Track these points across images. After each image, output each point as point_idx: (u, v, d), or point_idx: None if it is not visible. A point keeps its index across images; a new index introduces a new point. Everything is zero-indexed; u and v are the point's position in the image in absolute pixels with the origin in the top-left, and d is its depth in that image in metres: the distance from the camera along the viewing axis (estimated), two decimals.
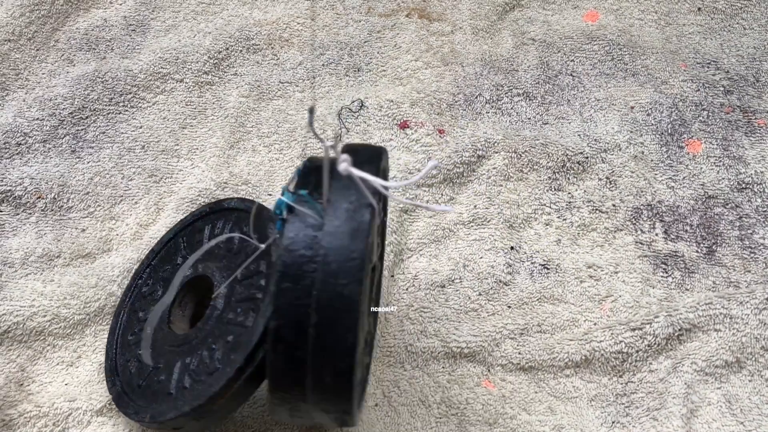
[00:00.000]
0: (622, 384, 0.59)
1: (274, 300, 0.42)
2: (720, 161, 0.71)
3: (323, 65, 0.78)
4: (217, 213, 0.59)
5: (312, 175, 0.45)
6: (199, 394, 0.48)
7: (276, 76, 0.77)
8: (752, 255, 0.65)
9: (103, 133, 0.72)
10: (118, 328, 0.58)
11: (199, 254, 0.57)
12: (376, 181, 0.43)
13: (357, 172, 0.43)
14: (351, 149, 0.46)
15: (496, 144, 0.71)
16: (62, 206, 0.67)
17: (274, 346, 0.43)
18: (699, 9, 0.83)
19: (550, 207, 0.68)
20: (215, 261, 0.55)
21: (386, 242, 0.65)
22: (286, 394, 0.44)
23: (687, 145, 0.72)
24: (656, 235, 0.66)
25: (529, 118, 0.74)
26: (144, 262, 0.61)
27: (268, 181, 0.69)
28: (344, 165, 0.43)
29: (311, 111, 0.42)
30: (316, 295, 0.42)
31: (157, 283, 0.58)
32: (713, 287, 0.63)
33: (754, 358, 0.59)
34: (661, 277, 0.64)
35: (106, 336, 0.60)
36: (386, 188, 0.44)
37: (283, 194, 0.44)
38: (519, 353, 0.60)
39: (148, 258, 0.61)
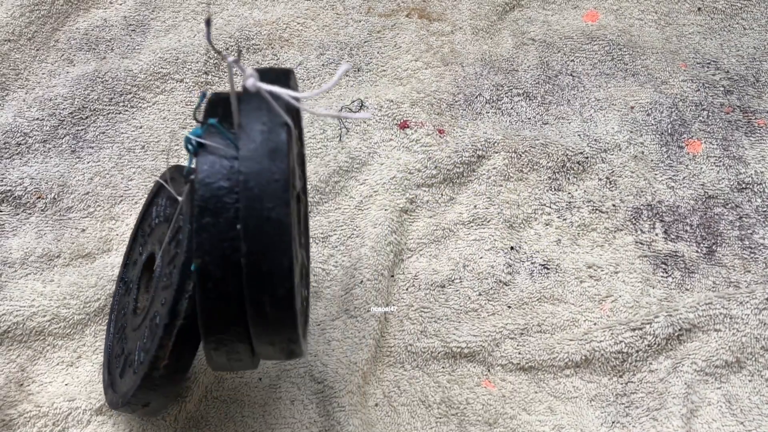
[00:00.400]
0: (622, 384, 0.59)
1: (196, 237, 0.40)
2: (720, 161, 0.71)
3: (323, 65, 0.78)
4: (159, 190, 0.58)
5: (220, 106, 0.42)
6: (146, 364, 0.47)
7: None
8: (752, 255, 0.65)
9: (103, 133, 0.72)
10: (110, 326, 0.58)
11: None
12: (287, 93, 0.39)
13: (267, 87, 0.39)
14: (257, 71, 0.45)
15: (496, 144, 0.71)
16: (62, 206, 0.67)
17: (203, 285, 0.40)
18: (699, 9, 0.83)
19: (550, 207, 0.68)
20: (157, 235, 0.55)
21: (386, 242, 0.65)
22: (222, 335, 0.42)
23: (687, 145, 0.72)
24: (656, 235, 0.66)
25: (529, 118, 0.74)
26: (123, 260, 0.61)
27: None
28: (251, 81, 0.39)
29: (208, 23, 0.39)
30: (243, 224, 0.40)
31: (127, 277, 0.59)
32: (713, 287, 0.63)
33: (754, 358, 0.59)
34: (661, 277, 0.64)
35: None
36: (298, 100, 0.40)
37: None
38: (519, 353, 0.60)
39: (125, 257, 0.61)
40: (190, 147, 0.41)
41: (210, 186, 0.40)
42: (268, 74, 0.44)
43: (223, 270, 0.40)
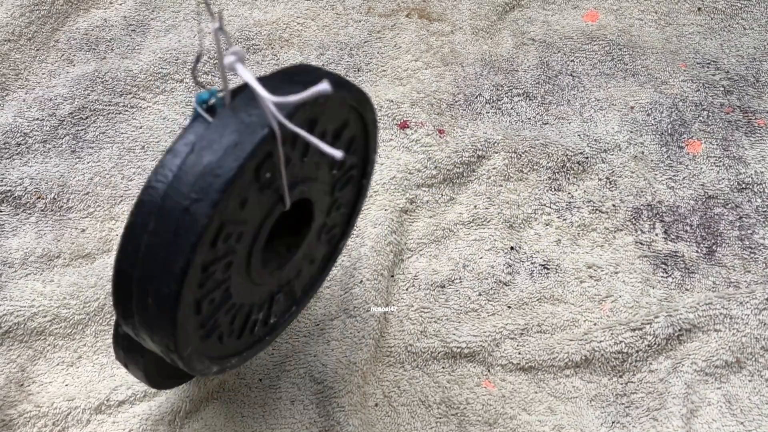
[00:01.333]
0: (622, 384, 0.59)
1: (143, 192, 0.37)
2: (720, 161, 0.71)
3: (323, 65, 0.78)
4: None
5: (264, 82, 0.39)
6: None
7: None
8: (752, 255, 0.65)
9: (103, 133, 0.73)
10: None
11: None
12: (259, 89, 0.35)
13: (244, 73, 0.35)
14: (298, 69, 0.41)
15: (496, 144, 0.71)
16: (62, 206, 0.67)
17: (124, 244, 0.38)
18: (699, 9, 0.83)
19: (550, 207, 0.68)
20: None
21: (386, 242, 0.65)
22: (124, 308, 0.40)
23: (687, 145, 0.72)
24: (656, 235, 0.66)
25: (529, 118, 0.74)
26: None
27: None
28: (230, 59, 0.35)
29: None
30: (160, 201, 0.37)
31: None
32: (713, 287, 0.63)
33: (754, 358, 0.59)
34: (661, 277, 0.64)
35: (107, 337, 0.60)
36: (278, 106, 0.36)
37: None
38: (519, 353, 0.60)
39: None
40: (197, 109, 0.39)
41: (179, 153, 0.38)
42: (296, 72, 0.40)
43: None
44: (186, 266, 0.37)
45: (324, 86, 0.34)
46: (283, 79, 0.40)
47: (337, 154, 0.35)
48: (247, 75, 0.35)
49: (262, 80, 0.39)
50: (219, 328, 0.44)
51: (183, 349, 0.40)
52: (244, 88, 0.38)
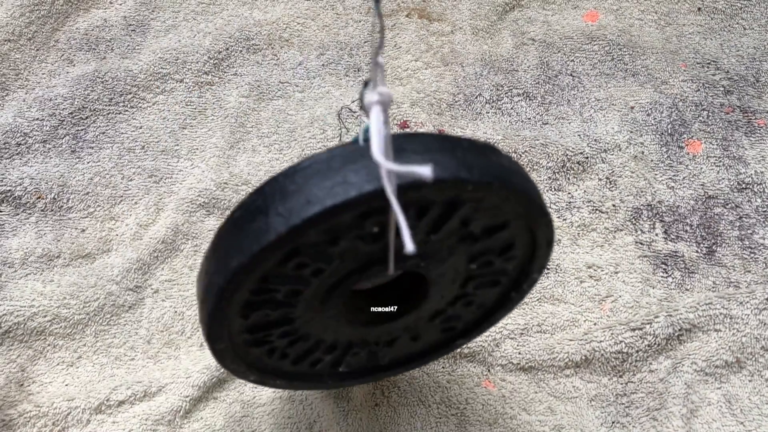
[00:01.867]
0: (622, 384, 0.59)
1: (265, 181, 0.37)
2: (720, 161, 0.71)
3: (323, 65, 0.78)
4: None
5: (430, 141, 0.36)
6: None
7: (276, 76, 0.77)
8: (752, 255, 0.65)
9: (103, 133, 0.72)
10: None
11: None
12: (374, 140, 0.32)
13: (374, 120, 0.33)
14: (477, 146, 0.38)
15: (496, 144, 0.71)
16: (62, 206, 0.67)
17: (228, 217, 0.38)
18: (699, 9, 0.83)
19: (550, 207, 0.68)
20: None
21: None
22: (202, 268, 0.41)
23: (687, 145, 0.72)
24: (656, 235, 0.66)
25: (529, 118, 0.74)
26: None
27: None
28: (372, 98, 0.33)
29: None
30: (257, 198, 0.36)
31: None
32: (713, 287, 0.63)
33: (754, 358, 0.59)
34: (661, 277, 0.64)
35: (107, 336, 0.60)
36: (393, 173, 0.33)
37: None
38: (519, 353, 0.60)
39: None
40: (359, 135, 0.37)
41: (309, 160, 0.36)
42: (444, 144, 0.37)
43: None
44: (239, 268, 0.36)
45: (423, 171, 0.31)
46: (442, 146, 0.36)
47: (409, 246, 0.31)
48: (374, 123, 0.32)
49: (423, 136, 0.36)
50: (271, 344, 0.44)
51: (215, 340, 0.40)
52: (404, 134, 0.36)
